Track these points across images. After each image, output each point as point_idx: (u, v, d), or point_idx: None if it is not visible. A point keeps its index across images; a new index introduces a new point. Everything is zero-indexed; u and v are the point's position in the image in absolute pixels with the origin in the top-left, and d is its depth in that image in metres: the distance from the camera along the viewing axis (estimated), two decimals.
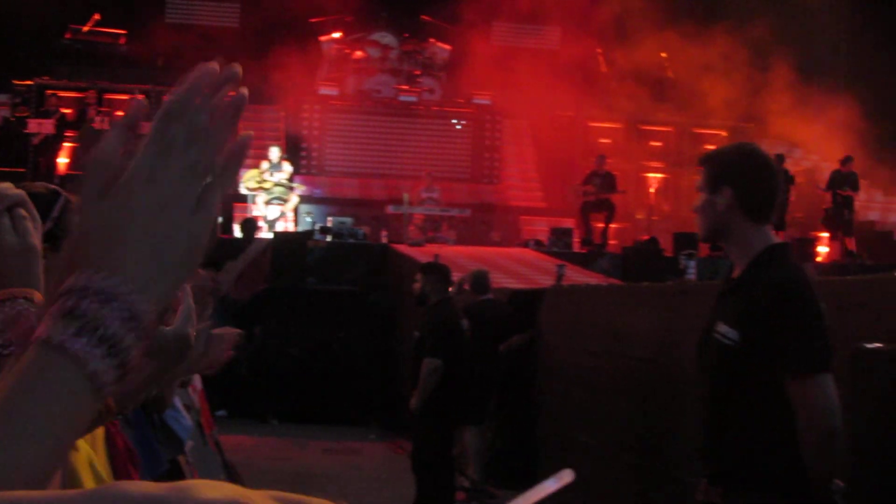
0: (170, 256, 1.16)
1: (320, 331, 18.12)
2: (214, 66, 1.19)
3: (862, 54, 28.45)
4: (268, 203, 23.34)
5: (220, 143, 1.19)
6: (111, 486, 0.94)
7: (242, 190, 22.98)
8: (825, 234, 25.42)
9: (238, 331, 4.04)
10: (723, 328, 4.28)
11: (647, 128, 29.70)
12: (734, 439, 4.30)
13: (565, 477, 1.00)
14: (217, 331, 3.70)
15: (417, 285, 10.55)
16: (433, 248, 19.78)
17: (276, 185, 23.38)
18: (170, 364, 2.54)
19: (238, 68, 1.21)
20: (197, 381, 5.52)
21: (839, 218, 24.23)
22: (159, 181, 1.16)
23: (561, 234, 23.56)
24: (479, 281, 12.85)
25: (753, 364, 4.19)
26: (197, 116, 1.17)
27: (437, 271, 10.74)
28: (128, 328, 1.13)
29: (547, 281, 16.11)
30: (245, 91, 1.21)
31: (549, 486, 0.98)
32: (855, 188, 24.60)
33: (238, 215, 22.48)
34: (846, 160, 24.73)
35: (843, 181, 24.48)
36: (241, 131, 1.22)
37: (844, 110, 26.47)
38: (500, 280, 16.10)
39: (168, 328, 2.44)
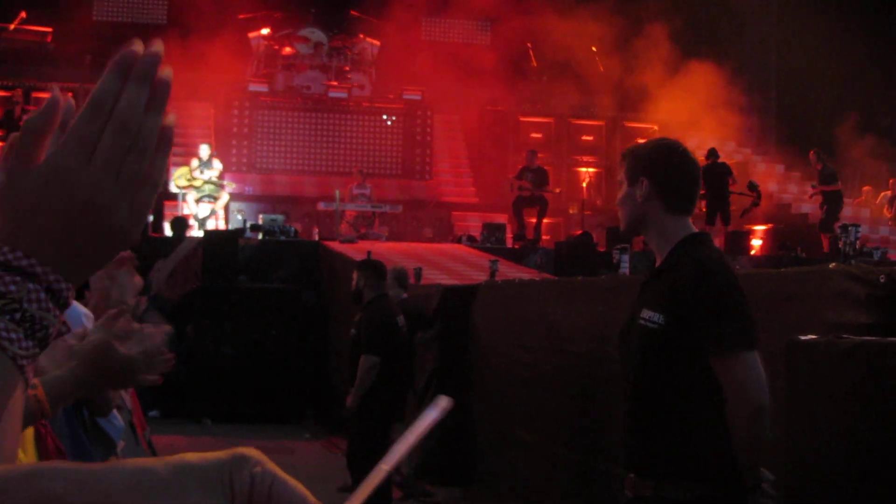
0: (89, 243, 1.19)
1: (253, 329, 18.02)
2: (137, 48, 1.18)
3: (790, 53, 28.73)
4: (198, 201, 23.20)
5: (148, 135, 1.19)
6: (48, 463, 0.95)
7: (173, 188, 22.84)
8: (760, 228, 25.49)
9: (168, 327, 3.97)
10: (647, 313, 4.29)
11: (579, 122, 29.82)
12: (662, 430, 4.28)
13: (443, 403, 1.03)
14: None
15: (354, 282, 10.51)
16: (365, 245, 19.72)
17: (207, 182, 23.24)
18: (94, 372, 2.50)
19: (160, 46, 1.20)
20: None
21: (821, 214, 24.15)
22: (81, 175, 1.16)
23: (494, 230, 23.57)
24: (399, 279, 12.79)
25: (680, 345, 4.20)
26: (123, 110, 1.17)
27: (373, 268, 10.70)
28: (45, 308, 1.16)
29: (480, 276, 16.09)
30: (169, 72, 1.20)
31: (431, 414, 1.02)
32: (834, 182, 24.41)
33: (168, 213, 22.34)
34: (818, 156, 24.54)
35: (818, 177, 24.40)
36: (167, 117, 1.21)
37: (777, 104, 26.68)
38: (433, 276, 16.07)
39: (87, 340, 2.41)
